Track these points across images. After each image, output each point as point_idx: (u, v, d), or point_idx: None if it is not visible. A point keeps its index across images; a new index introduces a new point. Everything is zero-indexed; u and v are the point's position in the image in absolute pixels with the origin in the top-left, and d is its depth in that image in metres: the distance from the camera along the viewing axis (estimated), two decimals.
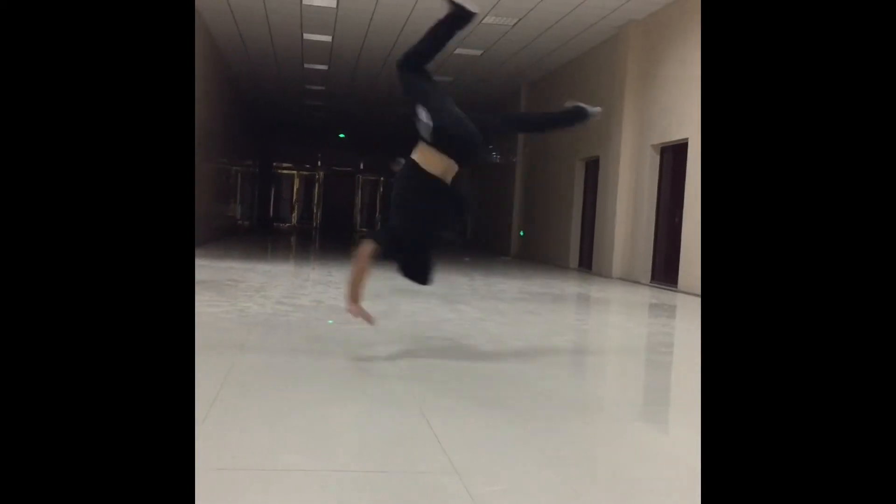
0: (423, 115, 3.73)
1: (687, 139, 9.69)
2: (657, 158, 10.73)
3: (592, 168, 12.80)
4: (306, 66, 15.70)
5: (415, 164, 3.76)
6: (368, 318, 3.90)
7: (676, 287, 9.66)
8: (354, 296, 3.85)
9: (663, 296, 8.91)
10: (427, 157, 3.75)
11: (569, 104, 4.23)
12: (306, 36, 13.16)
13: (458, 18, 3.80)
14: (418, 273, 3.91)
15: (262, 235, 20.77)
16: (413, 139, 3.90)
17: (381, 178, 30.02)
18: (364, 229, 29.48)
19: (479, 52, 13.59)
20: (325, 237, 22.66)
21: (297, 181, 29.92)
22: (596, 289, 9.52)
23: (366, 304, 3.95)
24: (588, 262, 12.66)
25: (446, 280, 8.90)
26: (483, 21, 11.47)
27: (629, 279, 11.02)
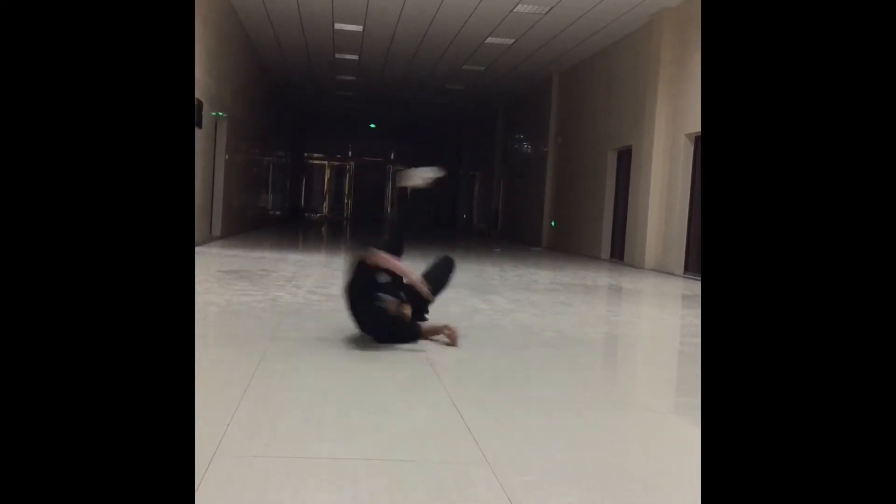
0: None
1: None
2: (691, 148, 10.59)
3: (625, 158, 12.67)
4: (337, 56, 15.73)
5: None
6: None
7: None
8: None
9: (697, 287, 8.80)
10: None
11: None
12: (337, 26, 13.18)
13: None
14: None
15: (293, 226, 20.91)
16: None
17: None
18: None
19: (510, 41, 13.51)
20: (357, 227, 22.75)
21: (328, 171, 30.05)
22: (628, 280, 9.43)
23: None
24: (620, 252, 12.55)
25: (478, 270, 8.89)
26: (515, 9, 11.40)
27: (662, 270, 10.91)
